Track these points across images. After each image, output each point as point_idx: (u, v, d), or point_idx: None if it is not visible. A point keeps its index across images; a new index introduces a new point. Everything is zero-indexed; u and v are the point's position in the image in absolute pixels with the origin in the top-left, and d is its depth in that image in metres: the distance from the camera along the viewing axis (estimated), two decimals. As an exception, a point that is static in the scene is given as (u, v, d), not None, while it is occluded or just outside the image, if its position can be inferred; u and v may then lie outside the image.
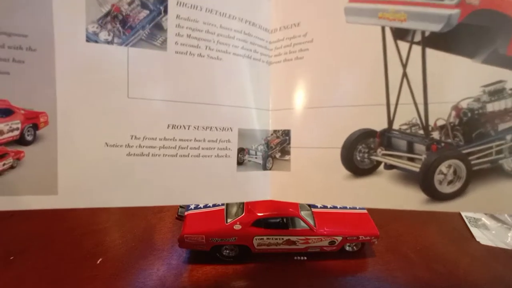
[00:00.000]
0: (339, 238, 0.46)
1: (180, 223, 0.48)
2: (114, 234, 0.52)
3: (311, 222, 0.46)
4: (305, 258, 0.48)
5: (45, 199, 0.27)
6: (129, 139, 0.29)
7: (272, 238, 0.45)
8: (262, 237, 0.45)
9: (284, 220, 0.46)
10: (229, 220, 0.45)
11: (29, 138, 0.26)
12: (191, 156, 0.31)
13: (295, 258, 0.48)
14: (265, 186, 0.35)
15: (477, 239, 0.55)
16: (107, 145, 0.28)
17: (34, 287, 0.41)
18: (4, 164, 0.25)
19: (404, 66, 0.29)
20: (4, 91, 0.25)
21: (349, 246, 0.49)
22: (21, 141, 0.26)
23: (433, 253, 0.50)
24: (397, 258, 0.49)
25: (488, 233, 0.56)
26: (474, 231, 0.57)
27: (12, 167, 0.26)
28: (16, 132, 0.26)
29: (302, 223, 0.46)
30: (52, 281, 0.42)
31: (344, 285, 0.43)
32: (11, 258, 0.45)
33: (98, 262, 0.45)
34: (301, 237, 0.46)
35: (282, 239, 0.45)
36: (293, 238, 0.46)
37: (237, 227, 0.44)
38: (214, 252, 0.46)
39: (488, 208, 0.27)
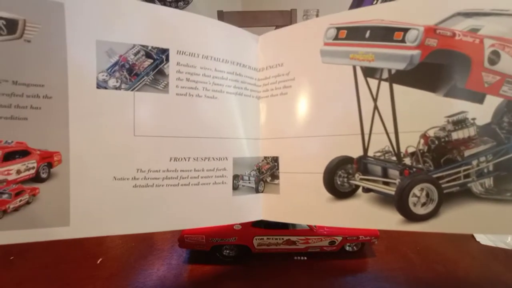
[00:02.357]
0: (339, 238, 0.41)
1: (180, 223, 0.43)
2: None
3: (311, 222, 0.41)
4: (305, 258, 0.42)
5: (58, 230, 0.24)
6: (135, 173, 0.27)
7: (272, 238, 0.40)
8: (262, 237, 0.40)
9: (284, 220, 0.42)
10: (229, 220, 0.41)
11: (44, 175, 0.24)
12: (192, 184, 0.29)
13: (295, 258, 0.42)
14: (258, 208, 0.32)
15: (477, 239, 0.47)
16: (115, 179, 0.26)
17: (34, 287, 0.36)
18: (20, 200, 0.23)
19: (375, 100, 0.27)
20: (22, 134, 0.24)
21: (349, 246, 0.43)
22: (36, 178, 0.24)
23: (433, 253, 0.44)
24: (397, 258, 0.42)
25: (488, 233, 0.49)
26: (474, 231, 0.49)
27: (28, 203, 0.24)
28: (32, 171, 0.24)
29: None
30: (52, 281, 0.37)
31: (344, 285, 0.38)
32: (11, 258, 0.40)
33: (98, 262, 0.40)
34: (301, 237, 0.41)
35: (282, 239, 0.41)
36: (293, 238, 0.41)
37: (237, 227, 0.40)
38: (214, 252, 0.41)
39: (460, 229, 0.24)
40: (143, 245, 0.44)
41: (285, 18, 1.39)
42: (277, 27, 0.33)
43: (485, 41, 0.24)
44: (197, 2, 2.02)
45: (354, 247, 0.43)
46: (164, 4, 1.88)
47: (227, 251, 0.42)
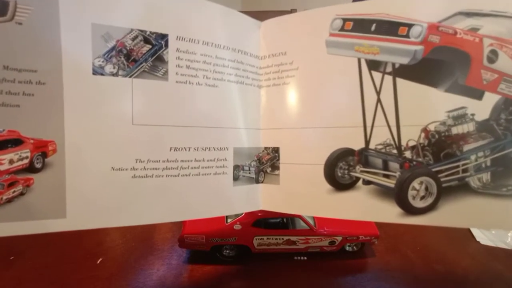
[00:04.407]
0: (339, 238, 0.41)
1: (180, 223, 0.43)
2: (114, 234, 0.46)
3: (311, 222, 0.41)
4: (305, 258, 0.42)
5: (54, 222, 0.24)
6: (134, 163, 0.26)
7: (272, 238, 0.40)
8: (262, 237, 0.40)
9: (284, 220, 0.42)
10: (229, 220, 0.41)
11: (38, 165, 0.23)
12: (192, 175, 0.29)
13: (295, 258, 0.42)
14: (258, 198, 0.33)
15: (477, 239, 0.47)
16: (113, 169, 0.26)
17: (34, 287, 0.36)
18: (14, 192, 0.22)
19: (378, 93, 0.27)
20: (14, 122, 0.22)
21: (349, 246, 0.43)
22: (30, 169, 0.23)
23: (433, 253, 0.44)
24: (397, 258, 0.42)
25: (488, 233, 0.48)
26: (474, 231, 0.49)
27: (21, 194, 0.23)
28: (26, 161, 0.23)
29: (302, 223, 0.41)
30: (52, 281, 0.36)
31: (344, 285, 0.38)
32: (11, 258, 0.40)
33: (98, 262, 0.40)
34: (301, 237, 0.41)
35: (282, 239, 0.41)
36: (293, 238, 0.41)
37: (237, 227, 0.40)
38: (214, 252, 0.41)
39: (458, 222, 0.25)
40: (143, 245, 0.44)
41: (285, 19, 1.37)
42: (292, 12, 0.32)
43: (484, 40, 0.25)
44: (197, 2, 1.94)
45: (354, 247, 0.43)
46: None
47: (227, 251, 0.42)
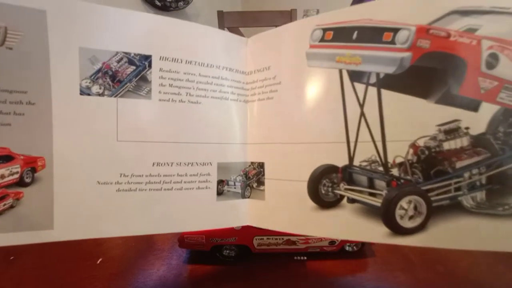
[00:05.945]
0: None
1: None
2: (114, 234, 0.47)
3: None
4: (305, 258, 0.41)
5: (41, 233, 0.25)
6: (119, 177, 0.27)
7: (272, 238, 0.39)
8: (262, 237, 0.39)
9: (284, 220, 0.40)
10: (229, 221, 0.40)
11: (27, 180, 0.24)
12: (175, 189, 0.28)
13: (295, 258, 0.41)
14: (244, 213, 0.31)
15: None
16: (99, 183, 0.26)
17: (34, 287, 0.36)
18: (4, 205, 0.24)
19: (361, 106, 0.25)
20: (5, 140, 0.24)
21: (349, 246, 0.41)
22: (20, 183, 0.24)
23: (433, 253, 0.42)
24: (397, 258, 0.41)
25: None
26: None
27: (11, 207, 0.24)
28: (16, 176, 0.24)
29: (302, 223, 0.40)
30: (52, 281, 0.37)
31: (344, 285, 0.36)
32: (11, 258, 0.40)
33: (98, 262, 0.40)
34: (301, 237, 0.39)
35: (282, 239, 0.39)
36: (293, 238, 0.39)
37: (237, 227, 0.38)
38: (214, 252, 0.40)
39: (449, 244, 0.22)
40: (143, 245, 0.44)
41: (285, 18, 1.36)
42: (277, 27, 0.31)
43: (482, 43, 0.21)
44: (197, 2, 2.00)
45: (354, 247, 0.42)
46: (164, 4, 1.85)
47: (227, 251, 0.41)
